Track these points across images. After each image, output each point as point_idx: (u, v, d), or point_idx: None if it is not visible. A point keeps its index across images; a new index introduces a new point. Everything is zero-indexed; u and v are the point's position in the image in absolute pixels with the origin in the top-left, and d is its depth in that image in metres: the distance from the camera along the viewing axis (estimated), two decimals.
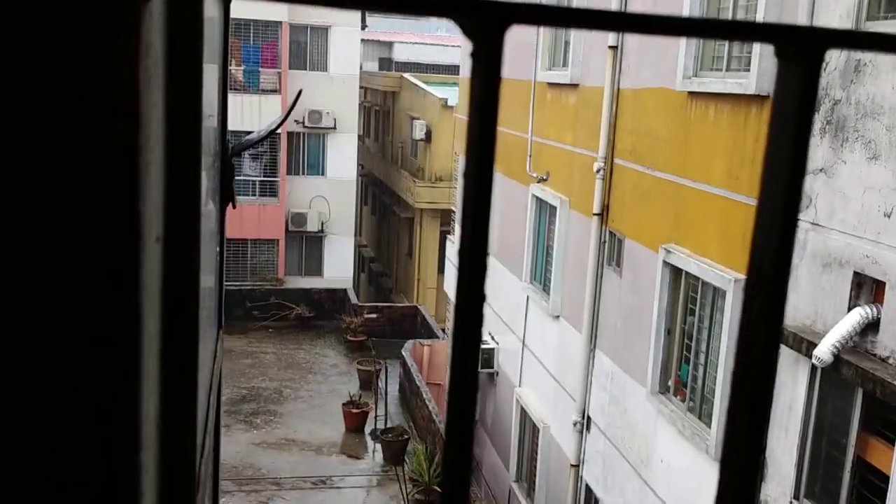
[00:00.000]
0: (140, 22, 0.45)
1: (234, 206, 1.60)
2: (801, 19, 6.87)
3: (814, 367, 6.53)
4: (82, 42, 0.46)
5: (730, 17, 8.21)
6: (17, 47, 0.46)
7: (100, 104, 0.45)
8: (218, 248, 1.52)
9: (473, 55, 0.50)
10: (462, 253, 0.51)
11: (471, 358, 0.54)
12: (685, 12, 8.65)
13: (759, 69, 7.45)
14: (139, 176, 0.49)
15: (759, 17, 7.47)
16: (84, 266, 0.49)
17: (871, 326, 6.06)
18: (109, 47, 0.45)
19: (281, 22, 25.79)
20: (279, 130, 25.85)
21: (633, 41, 10.11)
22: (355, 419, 18.00)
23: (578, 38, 11.56)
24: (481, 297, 0.54)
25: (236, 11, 26.37)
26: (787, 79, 0.53)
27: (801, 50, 0.53)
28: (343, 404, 18.28)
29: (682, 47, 8.71)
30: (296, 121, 26.55)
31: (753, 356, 0.58)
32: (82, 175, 0.48)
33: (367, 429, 18.08)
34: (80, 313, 0.50)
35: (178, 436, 0.80)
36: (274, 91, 25.95)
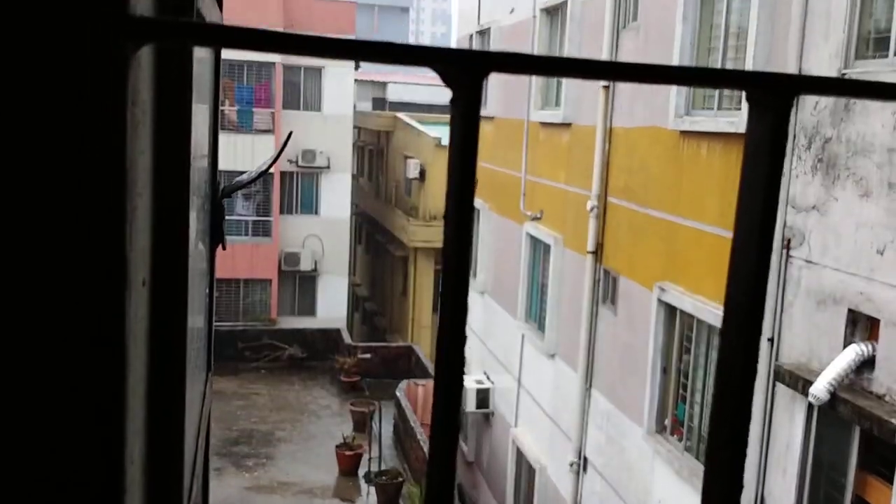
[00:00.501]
0: (127, 72, 0.46)
1: (223, 248, 1.61)
2: (791, 59, 6.97)
3: (810, 406, 6.51)
4: (70, 91, 0.47)
5: (720, 56, 8.33)
6: (6, 94, 0.47)
7: (86, 152, 0.46)
8: (207, 290, 1.52)
9: (452, 102, 0.51)
10: (444, 299, 0.52)
11: (453, 402, 0.54)
12: (675, 52, 8.78)
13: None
14: (125, 221, 0.50)
15: (749, 56, 7.57)
16: (69, 308, 0.50)
17: (867, 364, 6.06)
18: (96, 97, 0.46)
19: (275, 63, 26.04)
20: (272, 170, 25.96)
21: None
22: (349, 462, 17.81)
23: (571, 78, 11.69)
24: (462, 338, 0.55)
25: (229, 53, 26.69)
26: (757, 124, 0.55)
27: (771, 96, 0.54)
28: (336, 446, 18.10)
29: (674, 86, 8.81)
30: (289, 160, 26.67)
31: (732, 381, 0.59)
32: (67, 220, 0.49)
33: (361, 471, 17.88)
34: (63, 355, 0.51)
35: (165, 479, 0.80)
36: (268, 131, 26.10)
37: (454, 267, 0.54)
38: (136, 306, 0.61)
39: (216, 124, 1.64)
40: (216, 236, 1.50)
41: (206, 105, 1.54)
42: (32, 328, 0.50)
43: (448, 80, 0.51)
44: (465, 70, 0.50)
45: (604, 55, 10.40)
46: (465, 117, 0.51)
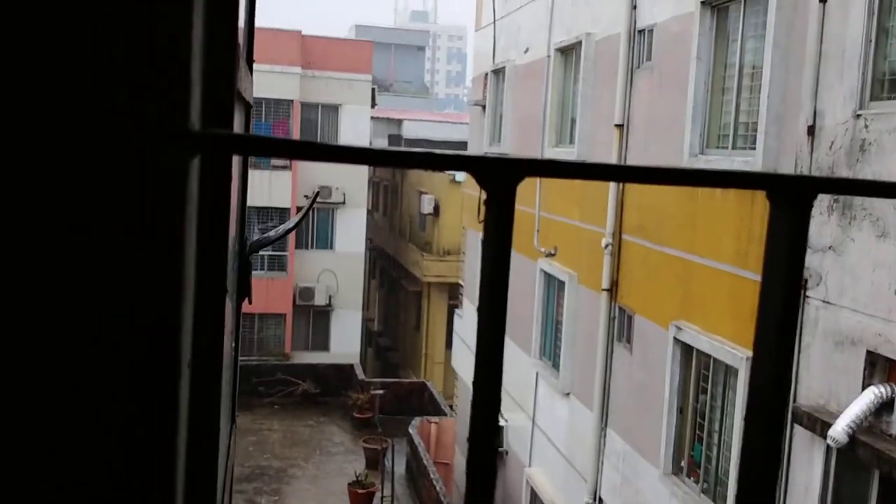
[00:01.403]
0: (186, 181, 0.50)
1: (250, 302, 1.64)
2: (805, 99, 6.99)
3: (829, 448, 6.44)
4: (133, 199, 0.50)
5: (734, 96, 8.37)
6: (83, 188, 0.50)
7: (147, 258, 0.49)
8: (234, 344, 1.55)
9: (487, 203, 0.54)
10: (476, 389, 0.54)
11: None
12: (690, 92, 8.83)
13: (764, 147, 7.55)
14: (181, 314, 0.53)
15: (763, 97, 7.61)
16: (127, 393, 0.52)
17: (886, 406, 6.00)
18: (158, 205, 0.49)
19: (293, 100, 26.33)
20: (288, 205, 26.14)
21: (639, 118, 10.29)
22: (361, 500, 17.67)
23: (585, 116, 11.77)
24: (495, 425, 0.57)
25: None
26: (777, 221, 0.57)
27: (791, 196, 0.57)
28: (349, 484, 17.98)
29: (689, 124, 8.86)
30: (305, 196, 26.84)
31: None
32: (130, 313, 0.52)
33: None
34: (123, 449, 0.53)
35: None
36: (285, 167, 26.33)
37: (487, 358, 0.56)
38: (183, 389, 0.64)
39: (245, 180, 1.68)
40: (243, 291, 1.54)
41: (237, 163, 1.58)
42: (99, 410, 0.53)
43: (483, 184, 0.54)
44: (501, 175, 0.53)
45: (618, 95, 10.48)
46: (500, 218, 0.54)
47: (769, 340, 0.59)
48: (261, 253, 26.79)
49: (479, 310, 0.57)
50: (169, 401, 0.52)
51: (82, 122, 0.47)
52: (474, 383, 0.56)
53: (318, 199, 27.01)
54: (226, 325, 1.33)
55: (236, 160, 1.35)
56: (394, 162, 0.52)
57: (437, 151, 0.53)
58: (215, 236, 0.71)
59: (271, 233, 2.53)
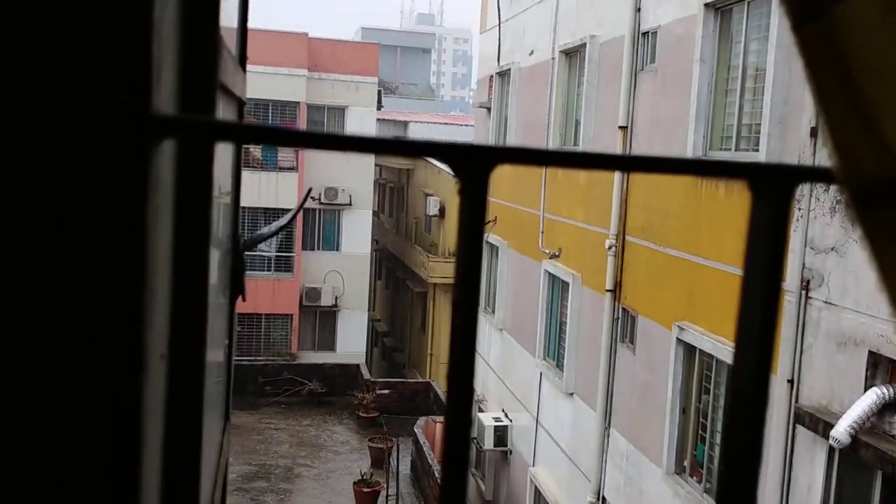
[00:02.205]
0: (148, 167, 0.49)
1: (244, 300, 1.64)
2: (808, 103, 6.97)
3: (831, 449, 6.42)
4: (92, 185, 0.50)
5: (737, 97, 8.35)
6: (34, 183, 0.49)
7: (107, 242, 0.48)
8: (227, 341, 1.55)
9: (460, 192, 0.54)
10: (449, 384, 0.53)
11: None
12: (693, 94, 8.81)
13: (768, 147, 7.53)
14: (143, 305, 0.52)
15: (767, 98, 7.59)
16: (86, 385, 0.52)
17: (889, 406, 5.98)
18: (118, 189, 0.48)
19: (299, 102, 26.36)
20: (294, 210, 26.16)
21: (643, 120, 10.27)
22: (367, 499, 17.69)
23: (589, 118, 11.76)
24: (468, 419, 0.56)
25: (255, 92, 26.81)
26: (758, 212, 0.56)
27: (772, 186, 0.56)
28: (354, 483, 17.99)
29: (692, 126, 8.84)
30: (312, 197, 26.88)
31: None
32: (87, 303, 0.51)
33: None
34: (79, 436, 0.53)
35: None
36: (291, 169, 26.37)
37: (462, 354, 0.56)
38: (153, 381, 0.63)
39: (239, 171, 1.67)
40: (237, 288, 1.53)
41: (229, 156, 1.58)
42: (47, 403, 0.52)
43: (457, 173, 0.53)
44: (473, 163, 0.52)
45: (622, 97, 10.47)
46: (473, 206, 0.53)
47: (750, 334, 0.58)
48: (267, 254, 26.83)
49: (454, 302, 0.56)
50: (131, 393, 0.51)
51: (34, 105, 0.46)
52: (448, 377, 0.56)
53: (326, 201, 27.05)
54: (216, 322, 1.33)
55: (225, 153, 1.35)
56: (363, 148, 0.51)
57: (409, 138, 0.52)
58: (195, 227, 0.71)
59: (264, 230, 2.54)
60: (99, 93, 0.46)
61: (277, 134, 0.49)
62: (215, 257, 1.32)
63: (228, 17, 1.31)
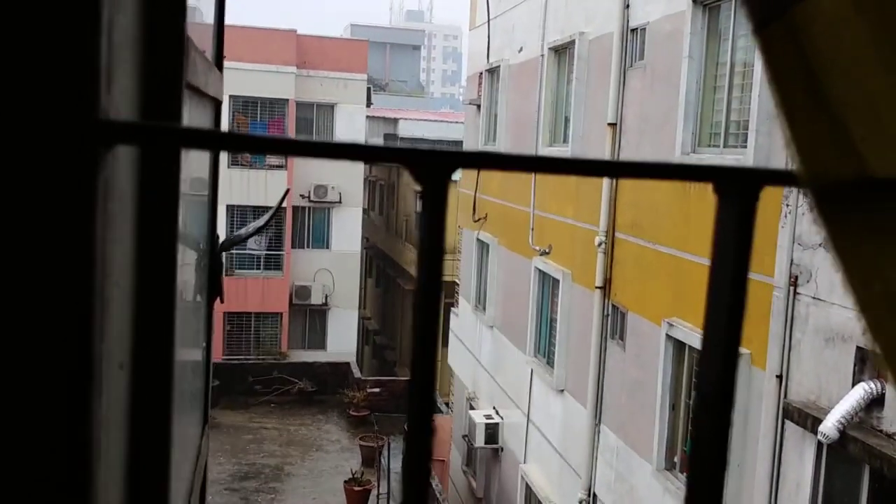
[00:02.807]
0: (97, 173, 0.48)
1: (221, 301, 1.62)
2: None
3: (820, 444, 6.44)
4: (39, 192, 0.48)
5: (726, 94, 8.37)
6: None
7: (52, 250, 0.47)
8: (205, 343, 1.53)
9: (421, 197, 0.53)
10: (411, 387, 0.53)
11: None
12: (682, 90, 8.82)
13: (756, 145, 7.55)
14: (92, 314, 0.51)
15: (755, 94, 7.60)
16: (36, 407, 0.51)
17: (877, 402, 6.00)
18: (63, 195, 0.47)
19: (288, 99, 26.30)
20: (284, 204, 26.10)
21: (632, 117, 10.28)
22: (358, 497, 17.68)
23: (579, 115, 11.76)
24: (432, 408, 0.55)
25: (244, 89, 26.64)
26: (725, 214, 0.56)
27: (738, 189, 0.55)
28: (345, 482, 17.98)
29: (681, 122, 8.85)
30: (301, 195, 26.84)
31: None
32: (31, 313, 0.50)
33: None
34: (31, 447, 0.52)
35: None
36: (280, 167, 26.29)
37: (421, 354, 0.55)
38: (110, 391, 0.62)
39: (216, 171, 1.66)
40: (214, 290, 1.52)
41: (204, 157, 1.56)
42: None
43: (417, 177, 0.52)
44: (432, 168, 0.52)
45: (611, 94, 10.47)
46: (433, 210, 0.53)
47: (717, 334, 0.58)
48: (256, 252, 26.77)
49: (413, 305, 0.56)
50: (81, 404, 0.50)
51: None
52: (409, 386, 0.55)
53: (315, 199, 26.99)
54: (192, 324, 1.31)
55: (201, 154, 1.34)
56: (321, 153, 0.50)
57: (367, 143, 0.51)
58: (159, 233, 0.69)
59: (242, 231, 2.52)
60: (43, 98, 0.45)
61: (229, 139, 0.48)
62: (191, 258, 1.30)
63: (203, 15, 1.29)
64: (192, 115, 1.07)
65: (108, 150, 0.51)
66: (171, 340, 0.72)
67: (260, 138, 0.49)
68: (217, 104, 1.44)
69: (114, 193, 0.56)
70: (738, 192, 0.55)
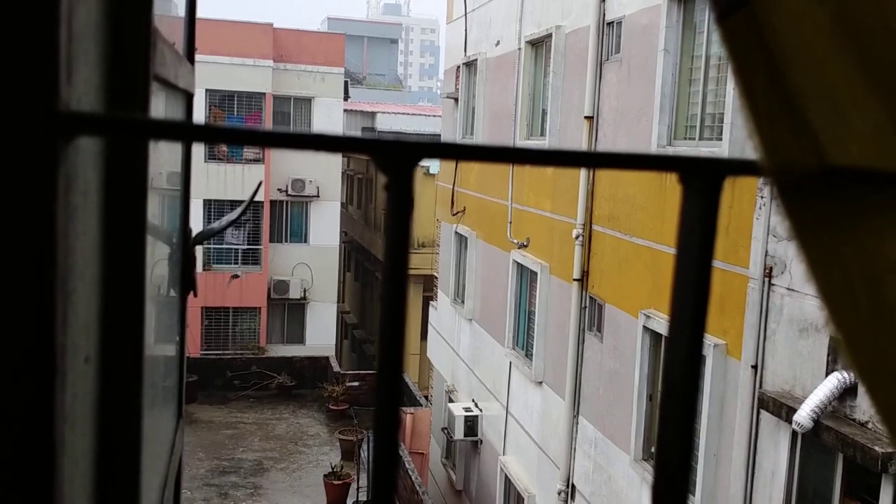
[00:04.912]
0: (56, 165, 0.47)
1: (195, 295, 1.62)
2: None
3: (794, 433, 6.52)
4: None
5: (701, 87, 8.42)
6: None
7: (11, 247, 0.47)
8: (178, 337, 1.52)
9: (386, 188, 0.53)
10: (378, 381, 0.53)
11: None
12: (657, 83, 8.87)
13: (731, 138, 7.60)
14: (54, 307, 0.50)
15: (729, 87, 7.65)
16: None
17: (850, 391, 6.08)
18: (22, 192, 0.47)
19: (265, 93, 26.15)
20: (262, 199, 25.98)
21: (608, 110, 10.31)
22: (337, 491, 17.67)
23: (556, 107, 11.79)
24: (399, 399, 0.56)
25: (220, 83, 26.43)
26: (689, 205, 0.56)
27: (702, 179, 0.56)
28: (325, 476, 17.96)
29: (657, 115, 8.90)
30: (279, 189, 26.72)
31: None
32: None
33: (350, 501, 17.74)
34: None
35: None
36: (257, 160, 26.15)
37: (390, 345, 0.55)
38: (76, 384, 0.62)
39: (189, 164, 1.65)
40: (187, 284, 1.51)
41: (176, 149, 1.55)
42: None
43: (382, 168, 0.52)
44: (397, 158, 0.52)
45: (587, 87, 10.50)
46: (399, 199, 0.53)
47: (682, 323, 0.58)
48: (235, 247, 26.62)
49: (381, 298, 0.56)
50: (41, 398, 0.50)
51: None
52: (377, 373, 0.55)
53: (293, 193, 26.87)
54: (164, 318, 1.30)
55: (172, 148, 1.32)
56: (287, 144, 0.50)
57: (331, 133, 0.51)
58: (127, 225, 0.69)
59: (215, 224, 2.52)
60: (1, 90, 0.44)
61: (192, 130, 0.47)
62: (163, 252, 1.30)
63: (173, 8, 1.28)
64: (163, 108, 1.06)
65: (69, 141, 0.51)
66: (140, 333, 0.71)
67: (224, 129, 0.49)
68: (189, 97, 1.43)
69: (76, 185, 0.55)
70: (703, 183, 0.56)
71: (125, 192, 0.67)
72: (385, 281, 0.54)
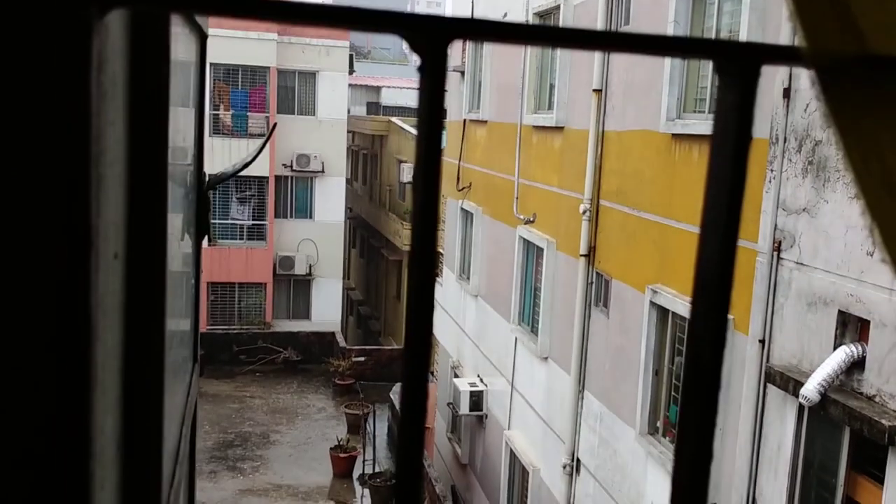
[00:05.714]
0: (91, 38, 0.46)
1: (210, 241, 1.61)
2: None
3: (801, 407, 6.53)
4: (29, 58, 0.47)
5: (710, 68, 8.34)
6: None
7: (48, 119, 0.46)
8: (193, 280, 1.52)
9: (420, 68, 0.52)
10: (412, 263, 0.52)
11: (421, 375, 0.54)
12: (666, 72, 8.79)
13: None
14: (89, 188, 0.50)
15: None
16: (33, 276, 0.50)
17: (857, 365, 6.08)
18: (57, 63, 0.46)
19: (269, 67, 26.03)
20: (267, 174, 25.94)
21: (617, 83, 10.25)
22: (343, 464, 17.80)
23: (564, 82, 11.72)
24: (430, 306, 0.55)
25: (225, 57, 26.31)
26: (726, 94, 0.55)
27: (739, 65, 0.55)
28: (331, 449, 18.09)
29: (665, 89, 8.84)
30: (284, 164, 26.68)
31: (701, 368, 0.59)
32: (29, 187, 0.49)
33: (356, 474, 17.87)
34: (29, 324, 0.51)
35: (142, 454, 0.80)
36: (262, 135, 26.07)
37: (420, 248, 0.54)
38: (108, 278, 0.61)
39: (202, 119, 1.64)
40: (202, 227, 1.51)
41: (191, 100, 1.54)
42: None
43: (414, 47, 0.51)
44: (431, 36, 0.50)
45: (596, 60, 10.43)
46: (432, 80, 0.52)
47: (715, 222, 0.58)
48: (240, 222, 26.63)
49: (413, 188, 0.55)
50: (82, 288, 0.49)
51: None
52: (409, 262, 0.54)
53: (298, 168, 26.83)
54: (177, 259, 1.30)
55: (188, 115, 1.31)
56: (306, 19, 0.49)
57: (359, 7, 0.50)
58: (153, 111, 0.68)
59: (228, 168, 2.51)
60: None
61: (232, 2, 0.46)
62: (178, 193, 1.29)
63: None
64: (180, 48, 1.05)
65: (103, 15, 0.50)
66: (163, 227, 0.71)
67: (260, 2, 0.48)
68: (203, 37, 1.41)
69: (106, 69, 0.54)
70: (740, 68, 0.55)
71: (151, 76, 0.67)
72: (417, 167, 0.53)
